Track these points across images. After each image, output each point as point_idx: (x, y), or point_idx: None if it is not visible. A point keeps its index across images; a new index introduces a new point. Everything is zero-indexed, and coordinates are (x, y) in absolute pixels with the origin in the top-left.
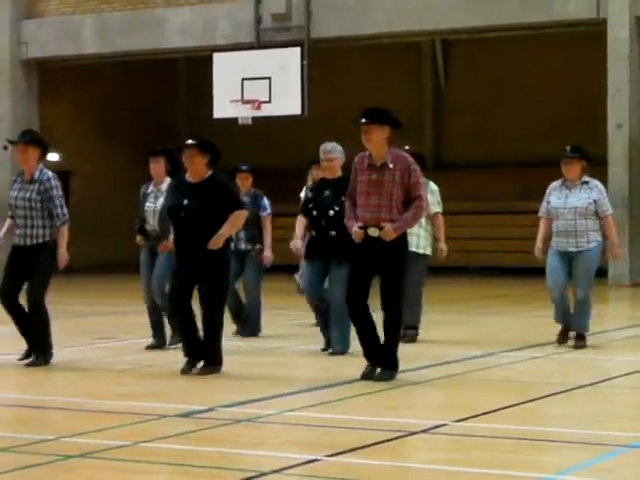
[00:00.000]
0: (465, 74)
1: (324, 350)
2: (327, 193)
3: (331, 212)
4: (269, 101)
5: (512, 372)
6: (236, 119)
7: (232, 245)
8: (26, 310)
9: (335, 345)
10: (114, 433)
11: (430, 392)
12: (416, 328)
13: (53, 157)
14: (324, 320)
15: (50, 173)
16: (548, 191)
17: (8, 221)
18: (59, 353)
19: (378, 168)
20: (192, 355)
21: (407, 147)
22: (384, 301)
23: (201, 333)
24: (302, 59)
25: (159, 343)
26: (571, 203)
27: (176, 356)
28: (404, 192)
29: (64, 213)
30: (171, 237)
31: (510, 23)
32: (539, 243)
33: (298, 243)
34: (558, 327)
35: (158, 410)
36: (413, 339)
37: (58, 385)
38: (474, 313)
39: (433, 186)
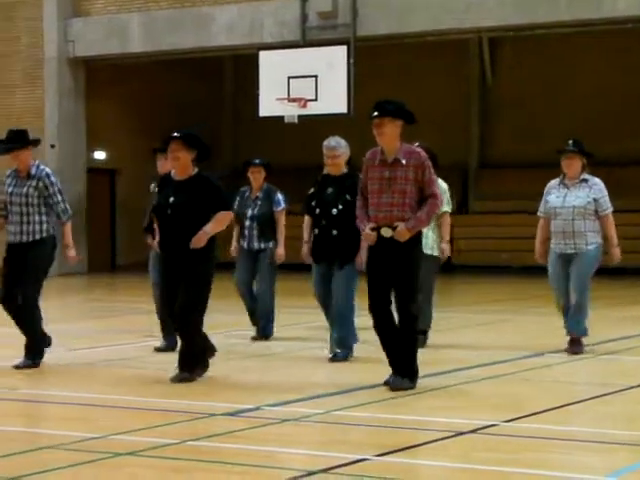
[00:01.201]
0: (512, 72)
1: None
2: (330, 190)
3: (334, 210)
4: (315, 99)
5: (561, 373)
6: (282, 117)
7: (245, 244)
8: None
9: (334, 349)
10: (161, 431)
11: (478, 392)
12: (425, 333)
13: (100, 155)
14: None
15: (47, 169)
16: (547, 189)
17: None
18: (104, 351)
19: (390, 164)
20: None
21: (417, 143)
22: (399, 305)
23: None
24: (348, 57)
25: (169, 345)
26: (570, 202)
27: (226, 355)
28: (418, 189)
29: (67, 208)
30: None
31: (558, 20)
32: (538, 246)
33: (306, 250)
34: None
35: (205, 409)
36: (424, 344)
37: (105, 383)
38: (521, 313)
39: (443, 184)
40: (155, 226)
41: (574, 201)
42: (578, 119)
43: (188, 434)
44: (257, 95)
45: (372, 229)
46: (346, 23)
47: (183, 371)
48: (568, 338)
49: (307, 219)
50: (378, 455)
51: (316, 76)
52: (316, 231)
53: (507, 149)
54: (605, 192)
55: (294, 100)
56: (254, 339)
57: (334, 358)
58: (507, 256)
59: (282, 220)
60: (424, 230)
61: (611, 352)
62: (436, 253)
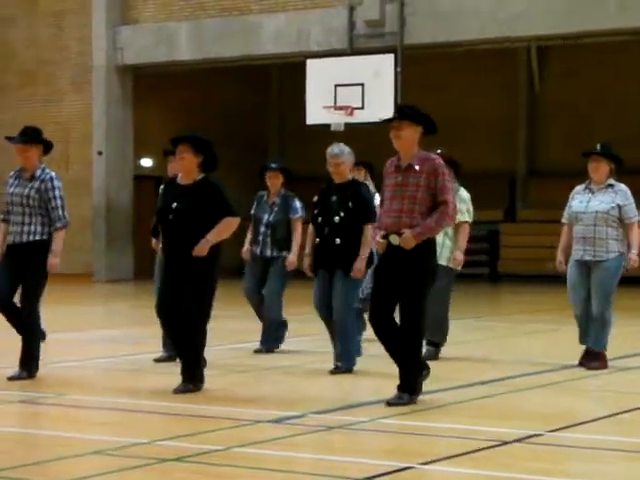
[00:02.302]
0: (560, 80)
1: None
2: (334, 199)
3: (336, 218)
4: (362, 107)
5: (607, 382)
6: (328, 125)
7: (257, 250)
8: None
9: (338, 361)
10: (207, 437)
11: (522, 402)
12: (438, 345)
13: (146, 162)
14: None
15: (53, 173)
16: (572, 195)
17: (2, 226)
18: (150, 357)
19: (403, 170)
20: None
21: (439, 150)
22: (402, 318)
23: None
24: (395, 65)
25: (169, 356)
26: (592, 207)
27: (272, 362)
28: (431, 197)
29: (64, 216)
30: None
31: (607, 28)
32: (559, 254)
33: (307, 263)
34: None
35: (251, 415)
36: (435, 356)
37: (150, 390)
38: (566, 322)
39: (464, 193)
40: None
41: (597, 206)
42: (627, 127)
43: (234, 441)
44: (304, 103)
45: (382, 237)
46: (393, 31)
47: (188, 382)
48: (583, 350)
49: (311, 229)
50: (423, 463)
51: (363, 84)
52: (318, 240)
53: (555, 157)
54: (631, 199)
55: (340, 108)
56: (257, 351)
57: (335, 370)
58: (552, 265)
59: (298, 228)
60: (440, 239)
61: None
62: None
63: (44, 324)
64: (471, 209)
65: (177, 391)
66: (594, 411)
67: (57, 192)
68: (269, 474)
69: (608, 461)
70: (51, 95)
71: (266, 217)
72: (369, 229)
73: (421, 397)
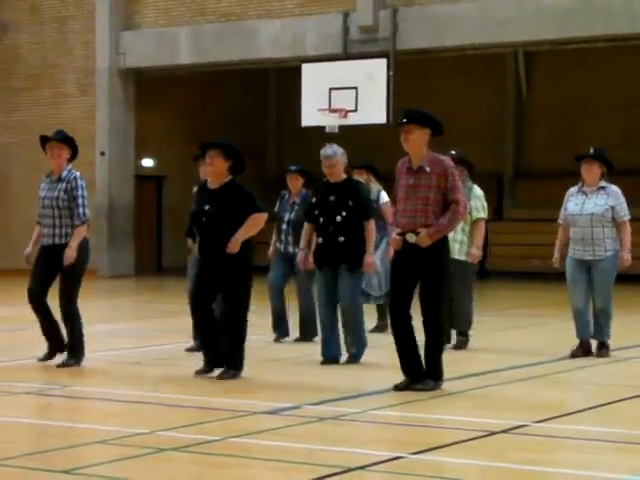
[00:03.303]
0: (547, 85)
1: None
2: (332, 198)
3: (338, 217)
4: (355, 110)
5: (593, 374)
6: (323, 127)
7: (281, 247)
8: (51, 311)
9: (350, 349)
10: (205, 428)
11: (510, 394)
12: (466, 335)
13: (148, 163)
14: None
15: (77, 173)
16: (566, 197)
17: (36, 229)
18: (152, 350)
19: (415, 172)
20: (209, 360)
21: (453, 152)
22: (424, 308)
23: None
24: (388, 70)
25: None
26: (587, 209)
27: (268, 354)
28: (442, 196)
29: (85, 213)
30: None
31: (592, 35)
32: (556, 252)
33: (301, 255)
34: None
35: (248, 407)
36: (463, 346)
37: (152, 381)
38: (552, 317)
39: (478, 191)
40: (195, 231)
41: (592, 209)
42: (611, 132)
43: (231, 431)
44: (300, 106)
45: (398, 234)
46: (386, 37)
47: (229, 369)
48: (577, 342)
49: (307, 227)
50: (413, 453)
51: (356, 88)
52: (320, 240)
53: (541, 160)
54: (622, 199)
55: (335, 111)
56: (297, 340)
57: (350, 360)
58: (539, 263)
59: None
60: (459, 236)
61: None
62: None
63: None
64: (486, 205)
65: (220, 377)
66: (580, 402)
67: (81, 191)
68: (265, 464)
69: (595, 451)
70: (56, 97)
71: (287, 215)
72: (371, 225)
73: (411, 389)
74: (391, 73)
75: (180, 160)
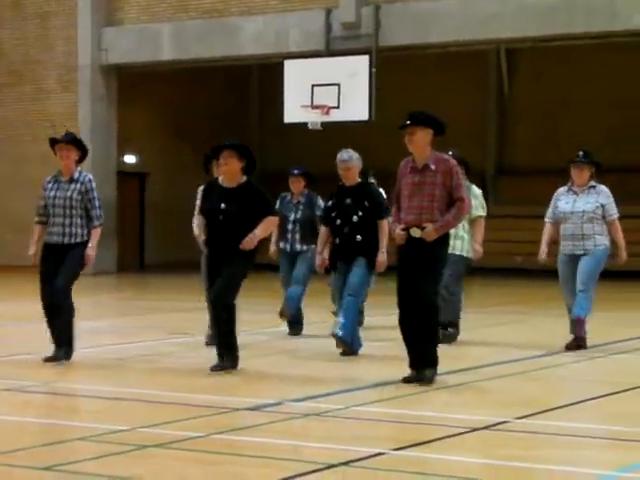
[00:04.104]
0: (529, 82)
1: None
2: (348, 201)
3: (355, 218)
4: (338, 107)
5: (573, 371)
6: (306, 124)
7: (287, 246)
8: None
9: (337, 329)
10: (187, 425)
11: (491, 390)
12: (457, 325)
13: (130, 159)
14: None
15: (90, 175)
16: (555, 196)
17: (38, 228)
18: (134, 347)
19: (420, 170)
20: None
21: (451, 152)
22: (420, 295)
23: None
24: (370, 66)
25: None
26: (579, 207)
27: (249, 352)
28: (447, 194)
29: (100, 215)
30: (202, 237)
31: (575, 32)
32: (544, 247)
33: (320, 260)
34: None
35: (230, 403)
36: (453, 339)
37: (133, 378)
38: (534, 314)
39: (476, 190)
40: (201, 226)
41: (583, 206)
42: (593, 129)
43: (213, 428)
44: (282, 102)
45: (402, 229)
46: (369, 33)
47: (225, 361)
48: (572, 337)
49: (323, 230)
50: (396, 449)
51: (339, 84)
52: (337, 240)
53: (523, 157)
54: (611, 198)
55: (317, 107)
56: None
57: (334, 335)
58: (522, 259)
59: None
60: (460, 233)
61: (622, 352)
62: (470, 255)
63: (32, 316)
64: (484, 203)
65: (214, 369)
66: (561, 398)
67: (95, 193)
68: (247, 460)
69: (579, 447)
70: (38, 94)
71: (292, 215)
72: (385, 224)
73: (392, 386)
74: (373, 70)
75: (163, 156)
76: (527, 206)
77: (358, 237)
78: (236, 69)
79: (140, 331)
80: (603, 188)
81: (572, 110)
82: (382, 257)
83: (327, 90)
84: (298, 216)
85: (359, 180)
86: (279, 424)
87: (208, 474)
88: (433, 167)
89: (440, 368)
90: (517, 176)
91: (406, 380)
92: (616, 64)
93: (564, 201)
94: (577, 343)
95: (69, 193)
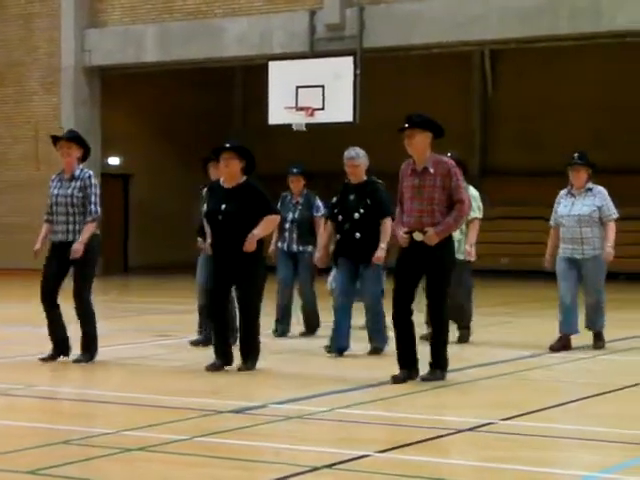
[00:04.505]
0: (513, 83)
1: (327, 349)
2: (352, 197)
3: (356, 215)
4: (322, 108)
5: (558, 373)
6: (290, 125)
7: (284, 246)
8: (61, 313)
9: (373, 341)
10: (172, 428)
11: (477, 391)
12: (468, 328)
13: (114, 161)
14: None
15: (91, 172)
16: (557, 200)
17: (45, 226)
18: (118, 350)
19: (420, 173)
20: (221, 357)
21: (450, 154)
22: (430, 302)
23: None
24: (355, 68)
25: (204, 339)
26: (576, 211)
27: (234, 353)
28: (446, 196)
29: (96, 210)
30: (208, 240)
31: (558, 34)
32: (549, 255)
33: (320, 255)
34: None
35: (213, 406)
36: (466, 339)
37: (118, 381)
38: (522, 315)
39: (473, 191)
40: (207, 230)
41: (580, 210)
42: (577, 130)
43: (197, 431)
44: (266, 104)
45: (405, 233)
46: (353, 35)
47: (247, 362)
48: (558, 336)
49: (328, 225)
50: (380, 452)
51: (323, 86)
52: (338, 236)
53: (507, 158)
54: (608, 199)
55: (301, 109)
56: (302, 334)
57: (374, 352)
58: (506, 260)
59: (321, 225)
60: (457, 235)
61: (608, 352)
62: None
63: (17, 318)
64: (481, 205)
65: (240, 369)
66: (545, 400)
67: (94, 189)
68: (231, 463)
69: (560, 449)
70: (21, 95)
71: (291, 215)
72: (387, 222)
73: (377, 388)
74: (358, 71)
75: (146, 158)
76: (512, 207)
77: (357, 234)
78: (220, 71)
79: (124, 334)
80: (600, 189)
81: (556, 111)
82: (380, 253)
83: (311, 92)
84: (296, 216)
85: (365, 178)
86: (263, 427)
87: (192, 477)
88: (432, 170)
89: (423, 370)
90: (501, 177)
91: (396, 379)
92: (600, 65)
93: (563, 204)
94: (597, 345)
95: (70, 191)
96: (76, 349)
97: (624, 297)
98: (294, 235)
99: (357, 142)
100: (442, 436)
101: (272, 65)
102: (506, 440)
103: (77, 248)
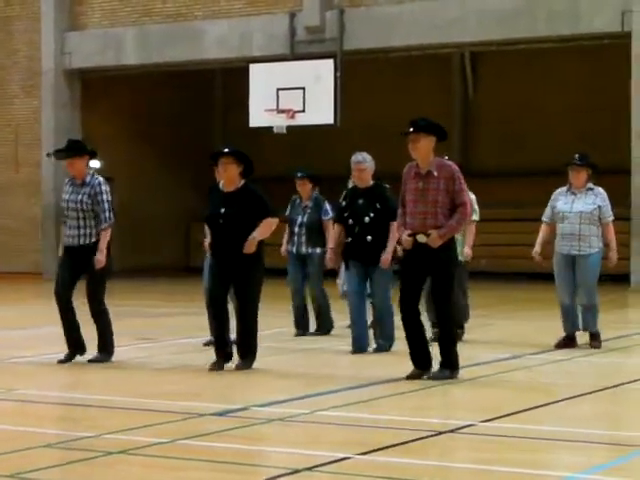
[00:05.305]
0: (493, 85)
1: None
2: (361, 201)
3: (366, 219)
4: (303, 111)
5: (538, 374)
6: (271, 128)
7: (294, 249)
8: (76, 314)
9: (379, 340)
10: (153, 431)
11: (458, 393)
12: (462, 327)
13: (95, 164)
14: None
15: (101, 178)
16: (553, 197)
17: (63, 229)
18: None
19: (423, 176)
20: (222, 355)
21: (446, 157)
22: (436, 304)
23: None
24: (335, 70)
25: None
26: (577, 208)
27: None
28: (449, 199)
29: (109, 217)
30: (207, 241)
31: (537, 36)
32: (538, 247)
33: (330, 254)
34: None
35: (195, 409)
36: (460, 337)
37: (100, 384)
38: (502, 317)
39: (471, 195)
40: (206, 231)
41: (582, 207)
42: (557, 131)
43: (179, 433)
44: (247, 106)
45: (409, 235)
46: (333, 37)
47: (244, 361)
48: (562, 335)
49: (337, 228)
50: (361, 454)
51: (304, 88)
52: (349, 239)
53: (487, 160)
54: (607, 201)
55: (282, 111)
56: (314, 334)
57: (377, 349)
58: (486, 262)
59: (330, 228)
60: (457, 238)
61: (589, 354)
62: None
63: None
64: (477, 209)
65: (237, 368)
66: (525, 402)
67: (105, 196)
68: (213, 466)
69: (543, 450)
70: (1, 98)
71: (300, 218)
72: (394, 226)
73: (359, 390)
74: (338, 74)
75: (127, 161)
76: (492, 209)
77: (369, 237)
78: (200, 73)
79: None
80: (600, 190)
81: (537, 113)
82: (387, 256)
83: (292, 94)
84: (305, 219)
85: (372, 182)
86: (245, 429)
87: None
88: (436, 173)
89: (405, 372)
90: (482, 179)
91: (410, 377)
92: (578, 67)
93: (562, 201)
94: (594, 345)
95: (79, 197)
96: (91, 349)
97: (606, 299)
98: (303, 238)
99: (338, 144)
100: (423, 438)
101: (253, 67)
102: (487, 442)
103: (99, 259)
